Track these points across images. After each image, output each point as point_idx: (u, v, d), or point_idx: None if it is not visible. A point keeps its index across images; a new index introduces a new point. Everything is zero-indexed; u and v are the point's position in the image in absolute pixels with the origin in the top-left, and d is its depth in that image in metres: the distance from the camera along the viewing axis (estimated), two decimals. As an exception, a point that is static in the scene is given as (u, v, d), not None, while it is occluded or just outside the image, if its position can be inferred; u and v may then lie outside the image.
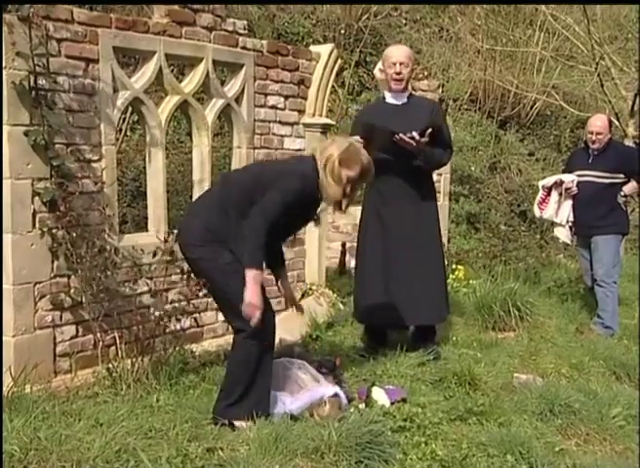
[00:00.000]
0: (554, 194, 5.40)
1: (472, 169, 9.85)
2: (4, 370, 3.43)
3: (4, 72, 3.37)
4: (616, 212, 5.30)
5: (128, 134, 7.30)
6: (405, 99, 4.40)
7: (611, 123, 5.51)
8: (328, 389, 3.40)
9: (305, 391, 3.37)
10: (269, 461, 2.81)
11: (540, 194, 5.51)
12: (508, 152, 10.88)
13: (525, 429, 3.24)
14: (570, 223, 5.42)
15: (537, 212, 5.62)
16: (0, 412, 2.64)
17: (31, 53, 3.40)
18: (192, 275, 4.27)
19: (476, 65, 11.11)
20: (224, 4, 4.32)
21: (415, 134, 4.08)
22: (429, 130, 4.11)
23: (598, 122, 5.37)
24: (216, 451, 2.92)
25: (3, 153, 3.42)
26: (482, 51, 11.07)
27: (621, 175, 5.28)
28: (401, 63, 4.26)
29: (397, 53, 4.32)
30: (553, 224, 5.64)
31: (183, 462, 2.76)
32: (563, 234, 5.55)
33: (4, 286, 3.48)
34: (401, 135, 4.07)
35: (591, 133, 5.35)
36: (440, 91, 7.08)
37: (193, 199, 4.54)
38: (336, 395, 3.38)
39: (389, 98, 4.41)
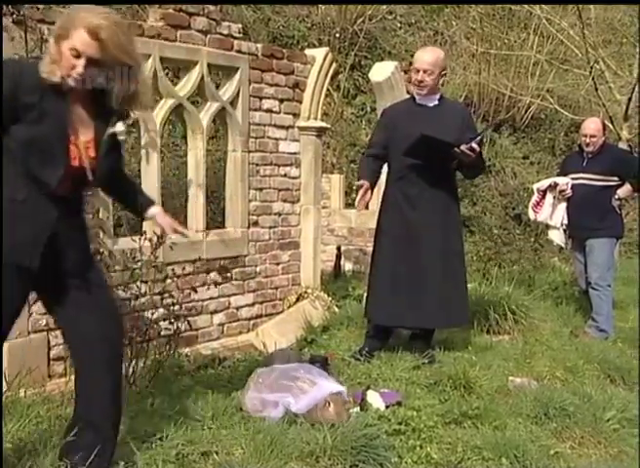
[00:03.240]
0: (549, 197, 5.41)
1: (467, 172, 9.85)
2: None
3: None
4: (610, 215, 5.30)
5: (123, 137, 7.28)
6: (436, 102, 4.33)
7: (605, 126, 5.52)
8: (330, 386, 3.37)
9: (308, 391, 3.35)
10: (264, 465, 2.80)
11: (535, 197, 5.52)
12: (503, 155, 10.92)
13: (520, 432, 3.23)
14: (564, 226, 5.43)
15: (531, 214, 5.62)
16: (0, 412, 2.62)
17: (27, 56, 3.39)
18: (186, 278, 4.31)
19: (471, 69, 11.16)
20: (220, 4, 4.31)
21: (474, 145, 4.03)
22: (483, 138, 4.10)
23: (592, 125, 5.38)
24: (211, 455, 2.91)
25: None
26: (477, 54, 11.12)
27: (615, 178, 5.29)
28: (425, 71, 4.16)
29: (420, 59, 4.21)
30: (548, 227, 5.65)
31: (178, 466, 2.75)
32: (557, 237, 5.55)
33: (-2, 289, 3.46)
34: (462, 146, 4.01)
35: (585, 135, 5.36)
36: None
37: (188, 202, 4.54)
38: (338, 393, 3.36)
39: (420, 100, 4.33)
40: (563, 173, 5.58)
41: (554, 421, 3.42)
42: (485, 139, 4.29)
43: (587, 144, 5.35)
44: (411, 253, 4.24)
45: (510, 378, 4.08)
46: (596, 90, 8.72)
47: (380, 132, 4.44)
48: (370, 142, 4.56)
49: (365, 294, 4.61)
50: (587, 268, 5.39)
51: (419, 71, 4.20)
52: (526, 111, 11.51)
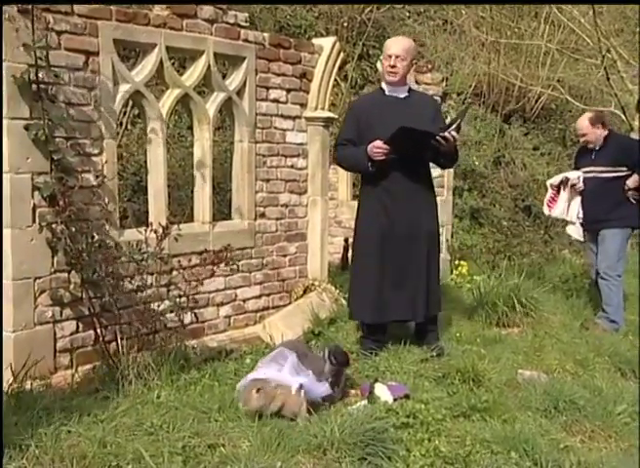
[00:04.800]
0: (563, 192, 5.43)
1: (476, 163, 9.80)
2: (4, 366, 3.40)
3: (4, 65, 3.34)
4: (624, 205, 5.28)
5: (128, 127, 7.26)
6: (406, 93, 4.36)
7: (598, 119, 5.47)
8: (278, 375, 3.32)
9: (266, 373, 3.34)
10: (271, 458, 2.80)
11: (550, 193, 5.56)
12: (512, 146, 10.83)
13: (529, 426, 3.20)
14: (580, 220, 5.43)
15: (546, 210, 5.66)
16: (0, 412, 2.61)
17: (33, 45, 3.36)
18: (192, 270, 4.28)
19: (480, 58, 11.05)
20: (223, 4, 4.26)
21: (453, 133, 4.07)
22: (460, 126, 4.14)
23: (579, 124, 5.53)
24: (217, 448, 2.91)
25: (3, 147, 3.39)
26: (486, 44, 11.01)
27: (624, 168, 5.26)
28: (397, 56, 4.21)
29: (394, 45, 4.26)
30: (566, 223, 5.69)
31: (185, 458, 2.74)
32: (575, 232, 5.59)
33: (4, 281, 3.45)
34: (446, 134, 4.04)
35: (577, 135, 5.54)
36: (444, 84, 7.01)
37: (194, 194, 4.51)
38: (265, 381, 3.28)
39: (390, 92, 4.36)
40: (576, 167, 5.63)
41: (564, 415, 3.40)
42: (461, 127, 4.32)
43: (584, 141, 5.47)
44: (395, 248, 4.24)
45: (519, 371, 4.06)
46: (608, 79, 8.63)
47: (349, 126, 4.41)
48: (339, 137, 4.50)
49: (348, 294, 4.59)
50: (597, 258, 5.36)
51: (390, 57, 4.23)
52: (536, 101, 11.40)
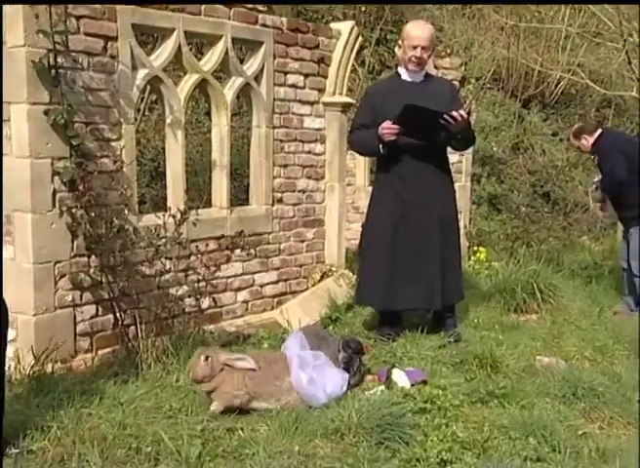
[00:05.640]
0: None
1: (494, 149, 9.72)
2: (26, 349, 3.45)
3: (23, 50, 3.35)
4: None
5: (146, 113, 7.28)
6: (422, 77, 4.31)
7: (580, 131, 5.54)
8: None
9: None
10: (289, 442, 2.81)
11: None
12: (532, 132, 10.73)
13: (547, 412, 3.18)
14: None
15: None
16: (1, 411, 2.64)
17: (51, 30, 3.37)
18: (210, 255, 4.30)
19: (499, 43, 10.93)
20: (227, 4, 4.22)
21: (462, 111, 4.02)
22: (471, 107, 4.09)
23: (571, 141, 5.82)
24: (236, 431, 2.93)
25: (23, 133, 3.41)
26: (506, 28, 10.88)
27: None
28: (423, 48, 4.14)
29: (419, 35, 4.15)
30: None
31: (204, 441, 2.76)
32: None
33: (25, 265, 3.49)
34: (454, 113, 3.99)
35: None
36: (462, 69, 6.94)
37: (212, 179, 4.52)
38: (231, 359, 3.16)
39: (406, 76, 4.30)
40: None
41: (583, 401, 3.38)
42: (472, 109, 4.30)
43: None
44: (407, 234, 4.20)
45: (538, 358, 4.04)
46: (629, 63, 8.47)
47: (364, 111, 4.36)
48: (354, 123, 4.47)
49: (357, 279, 4.57)
50: (628, 254, 5.35)
51: (415, 48, 4.16)
52: (556, 86, 11.26)
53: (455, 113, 4.00)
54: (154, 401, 3.14)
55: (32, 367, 3.36)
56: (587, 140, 5.46)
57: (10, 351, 3.37)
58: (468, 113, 4.13)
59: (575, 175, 9.87)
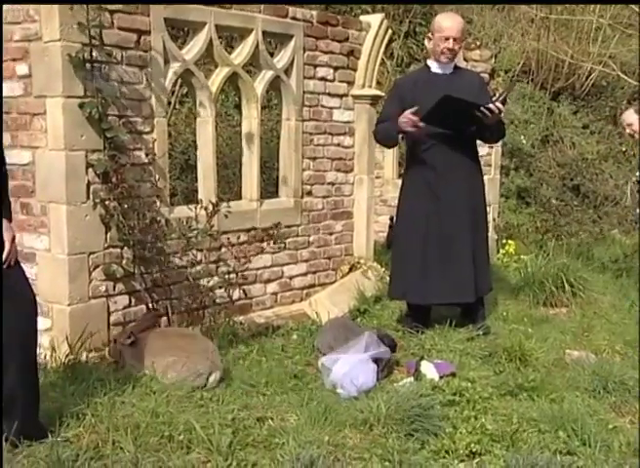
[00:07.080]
0: None
1: (524, 142, 9.62)
2: (61, 339, 3.52)
3: (59, 44, 3.40)
4: None
5: (177, 107, 7.34)
6: (452, 69, 4.31)
7: None
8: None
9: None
10: (318, 432, 2.84)
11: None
12: (561, 125, 10.59)
13: (577, 406, 3.17)
14: None
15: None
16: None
17: (87, 24, 3.42)
18: (241, 247, 4.34)
19: (529, 35, 10.79)
20: (231, 4, 4.23)
21: (498, 104, 4.03)
22: (506, 99, 4.10)
23: (628, 118, 5.14)
24: (266, 421, 2.96)
25: (58, 125, 3.48)
26: (536, 19, 10.73)
27: None
28: (454, 39, 4.17)
29: (451, 27, 4.17)
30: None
31: (234, 430, 2.80)
32: None
33: (59, 256, 3.56)
34: (491, 105, 4.00)
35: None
36: (492, 61, 6.89)
37: (242, 172, 4.56)
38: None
39: (435, 68, 4.31)
40: None
41: (613, 395, 3.36)
42: (507, 100, 4.27)
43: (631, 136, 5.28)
44: (438, 226, 4.20)
45: (567, 351, 4.02)
46: (662, 55, 8.35)
47: (393, 104, 4.35)
48: (381, 115, 4.47)
49: (390, 273, 4.56)
50: None
51: (448, 39, 4.17)
52: (587, 78, 11.08)
53: (492, 105, 4.00)
54: (185, 390, 3.19)
55: (67, 355, 3.43)
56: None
57: (46, 340, 3.48)
58: (504, 103, 4.12)
59: (605, 168, 9.74)
